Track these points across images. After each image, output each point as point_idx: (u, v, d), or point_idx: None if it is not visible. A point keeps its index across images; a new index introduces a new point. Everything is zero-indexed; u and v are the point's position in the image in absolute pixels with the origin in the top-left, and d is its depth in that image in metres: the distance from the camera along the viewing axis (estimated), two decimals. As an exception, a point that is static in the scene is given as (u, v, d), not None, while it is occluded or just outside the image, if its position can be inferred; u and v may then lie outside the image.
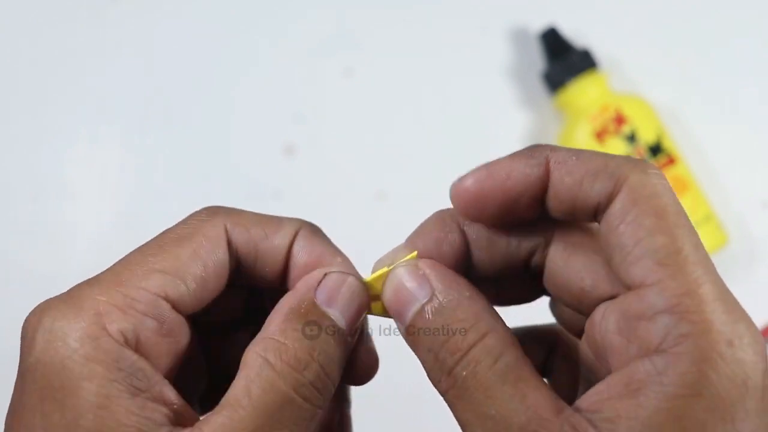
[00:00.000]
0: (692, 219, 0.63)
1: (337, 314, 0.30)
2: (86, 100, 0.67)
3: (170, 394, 0.28)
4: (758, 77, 0.66)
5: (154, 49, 0.67)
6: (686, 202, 0.60)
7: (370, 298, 0.32)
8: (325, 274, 0.31)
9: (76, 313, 0.28)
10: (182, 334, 0.31)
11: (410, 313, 0.30)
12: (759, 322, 0.65)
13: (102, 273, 0.30)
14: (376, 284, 0.32)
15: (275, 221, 0.33)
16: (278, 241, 0.32)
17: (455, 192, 0.31)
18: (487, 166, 0.30)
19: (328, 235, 0.34)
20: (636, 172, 0.27)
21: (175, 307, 0.30)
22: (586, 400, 0.26)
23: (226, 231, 0.32)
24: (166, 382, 0.29)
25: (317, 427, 0.32)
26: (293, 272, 0.32)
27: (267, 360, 0.28)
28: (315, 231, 0.33)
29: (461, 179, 0.31)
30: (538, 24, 0.64)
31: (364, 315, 0.31)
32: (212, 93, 0.67)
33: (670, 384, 0.25)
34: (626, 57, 0.65)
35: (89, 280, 0.29)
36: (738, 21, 0.66)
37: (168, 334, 0.30)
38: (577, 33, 0.64)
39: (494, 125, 0.66)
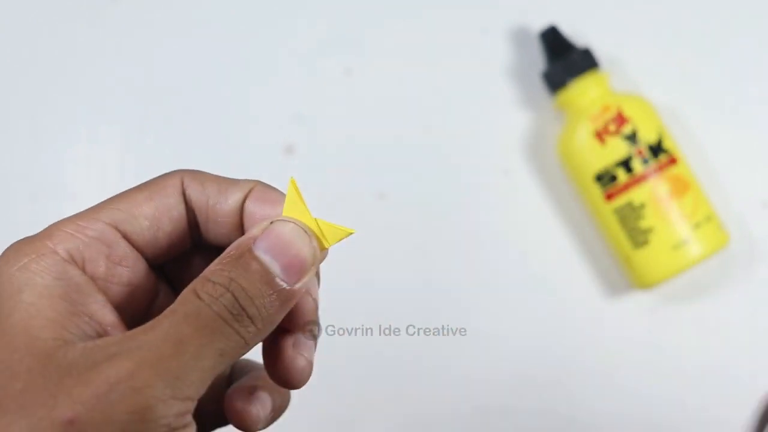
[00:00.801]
0: (693, 219, 0.63)
1: (272, 261, 0.30)
2: (86, 100, 0.67)
3: (107, 315, 0.30)
4: (759, 77, 0.66)
5: (154, 49, 0.67)
6: (687, 202, 0.60)
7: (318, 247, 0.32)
8: (271, 222, 0.31)
9: (31, 240, 0.31)
10: (136, 267, 0.32)
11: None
12: (760, 323, 0.65)
13: None
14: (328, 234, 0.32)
15: (232, 181, 0.34)
16: (231, 197, 0.33)
17: None
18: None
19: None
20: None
21: (127, 238, 0.32)
22: None
23: (182, 183, 0.33)
24: (106, 303, 0.30)
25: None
26: (247, 228, 0.33)
27: (192, 290, 0.29)
28: (269, 188, 0.34)
29: None
30: (538, 24, 0.64)
31: (307, 263, 0.31)
32: (212, 93, 0.67)
33: None
34: (627, 57, 0.65)
35: None
36: (739, 21, 0.66)
37: (119, 263, 0.32)
38: (577, 33, 0.64)
39: (494, 125, 0.66)
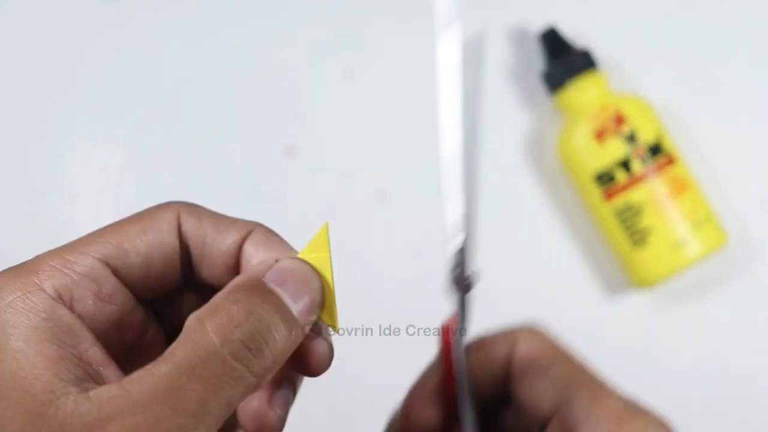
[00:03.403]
0: (692, 219, 0.63)
1: (285, 294, 0.29)
2: (86, 100, 0.67)
3: (97, 355, 0.28)
4: (758, 78, 0.66)
5: (155, 49, 0.67)
6: (686, 202, 0.60)
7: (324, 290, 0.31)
8: (277, 260, 0.31)
9: (16, 273, 0.29)
10: (125, 304, 0.31)
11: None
12: (759, 322, 0.65)
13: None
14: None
15: (230, 220, 0.33)
16: (229, 238, 0.32)
17: None
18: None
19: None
20: None
21: (117, 274, 0.31)
22: None
23: (178, 218, 0.32)
24: (95, 342, 0.29)
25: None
26: (244, 271, 0.32)
27: (200, 319, 0.28)
28: (270, 232, 0.33)
29: None
30: (538, 24, 0.64)
31: (317, 303, 0.31)
32: (212, 93, 0.67)
33: None
34: (626, 57, 0.65)
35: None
36: (738, 21, 0.66)
37: (108, 300, 0.30)
38: (577, 33, 0.64)
39: (494, 125, 0.66)
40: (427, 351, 0.63)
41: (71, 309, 0.29)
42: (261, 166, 0.66)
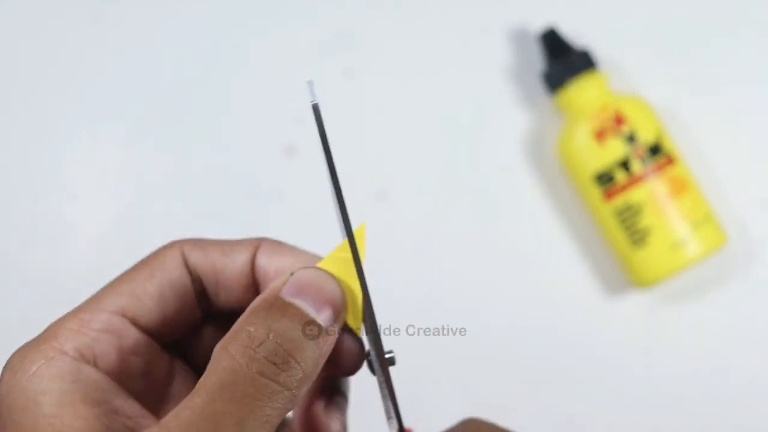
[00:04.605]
0: (692, 219, 0.63)
1: (305, 304, 0.29)
2: (86, 100, 0.67)
3: (131, 407, 0.28)
4: (758, 78, 0.66)
5: (155, 49, 0.67)
6: (686, 202, 0.60)
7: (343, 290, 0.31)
8: (291, 273, 0.30)
9: (36, 343, 0.29)
10: (149, 352, 0.31)
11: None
12: (759, 323, 0.65)
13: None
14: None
15: (234, 241, 0.33)
16: (237, 258, 0.32)
17: None
18: None
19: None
20: None
21: (135, 324, 0.30)
22: None
23: (183, 253, 0.32)
24: (126, 396, 0.29)
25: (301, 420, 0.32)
26: (263, 285, 0.32)
27: (224, 346, 0.28)
28: (277, 242, 0.33)
29: None
30: (538, 24, 0.64)
31: (340, 308, 0.30)
32: (212, 93, 0.67)
33: None
34: (626, 57, 0.65)
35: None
36: (738, 21, 0.66)
37: (132, 352, 0.30)
38: (577, 33, 0.64)
39: (494, 125, 0.66)
40: (427, 351, 0.63)
41: (96, 367, 0.29)
42: (261, 166, 0.66)
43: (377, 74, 0.66)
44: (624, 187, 0.60)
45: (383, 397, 0.30)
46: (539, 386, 0.64)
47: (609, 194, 0.61)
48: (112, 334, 0.30)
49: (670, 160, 0.61)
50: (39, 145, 0.67)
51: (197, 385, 0.27)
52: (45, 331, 0.29)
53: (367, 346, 0.32)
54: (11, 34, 0.67)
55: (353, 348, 0.32)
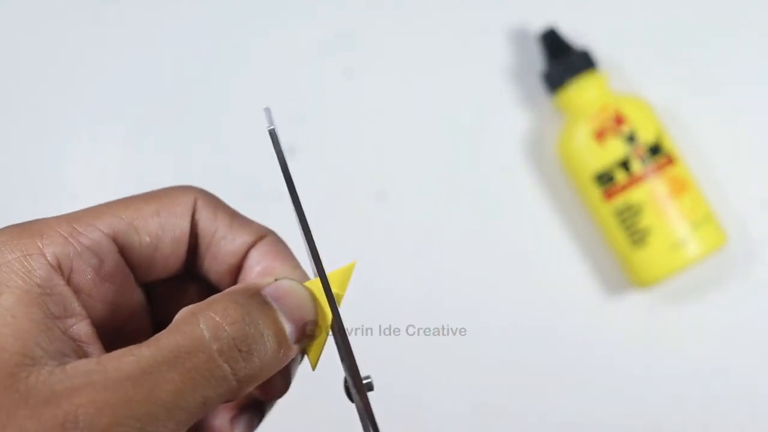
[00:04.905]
0: (692, 219, 0.63)
1: (281, 314, 0.28)
2: (86, 100, 0.67)
3: (84, 330, 0.28)
4: (758, 78, 0.66)
5: (155, 49, 0.67)
6: (685, 203, 0.60)
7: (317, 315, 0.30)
8: (276, 279, 0.29)
9: (21, 232, 0.28)
10: (123, 284, 0.30)
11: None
12: (759, 322, 0.65)
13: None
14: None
15: (245, 220, 0.32)
16: (239, 238, 0.31)
17: None
18: None
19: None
20: None
21: (123, 253, 0.30)
22: None
23: (195, 204, 0.31)
24: (85, 318, 0.28)
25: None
26: (245, 275, 0.31)
27: (193, 312, 0.27)
28: (280, 242, 0.32)
29: None
30: (538, 24, 0.64)
31: (309, 329, 0.29)
32: (212, 93, 0.67)
33: None
34: (626, 57, 0.65)
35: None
36: (738, 21, 0.66)
37: (108, 278, 0.29)
38: (577, 33, 0.64)
39: (494, 125, 0.66)
40: (427, 351, 0.63)
41: (68, 281, 0.28)
42: (261, 166, 0.66)
43: (377, 74, 0.66)
44: (624, 187, 0.60)
45: (364, 428, 0.29)
46: (539, 386, 0.64)
47: (609, 194, 0.61)
48: (95, 255, 0.29)
49: (670, 160, 0.61)
50: (39, 145, 0.67)
51: (153, 338, 0.26)
52: (33, 223, 0.29)
53: (343, 373, 0.31)
54: (11, 34, 0.67)
55: (286, 377, 0.31)
